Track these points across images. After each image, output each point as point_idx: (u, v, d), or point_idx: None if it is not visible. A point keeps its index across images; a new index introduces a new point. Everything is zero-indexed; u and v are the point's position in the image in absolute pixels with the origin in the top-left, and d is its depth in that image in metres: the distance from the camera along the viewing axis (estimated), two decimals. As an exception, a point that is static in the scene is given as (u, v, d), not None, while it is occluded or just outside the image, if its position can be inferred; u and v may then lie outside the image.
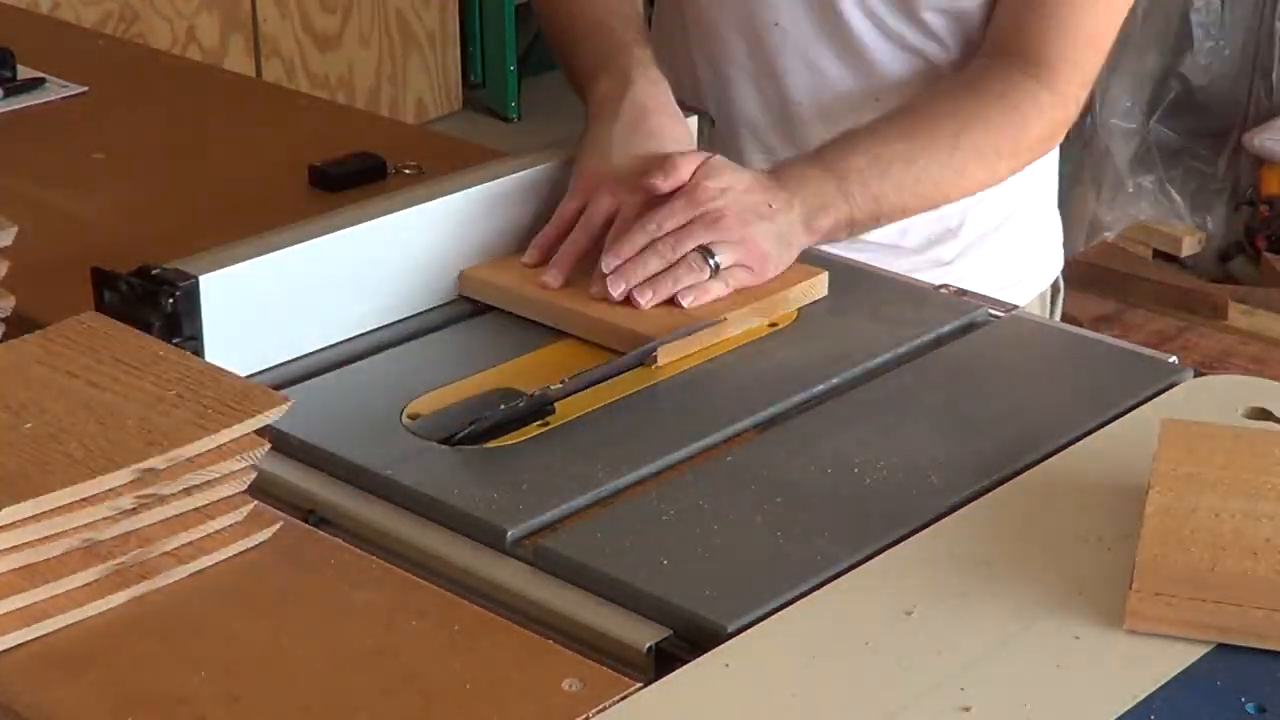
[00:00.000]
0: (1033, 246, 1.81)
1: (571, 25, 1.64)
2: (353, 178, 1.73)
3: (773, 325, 1.45)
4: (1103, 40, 1.61)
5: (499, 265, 1.50)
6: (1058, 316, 1.85)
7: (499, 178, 1.52)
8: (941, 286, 1.54)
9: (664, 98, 1.54)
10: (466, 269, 1.49)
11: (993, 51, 1.61)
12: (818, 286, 1.49)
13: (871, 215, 1.52)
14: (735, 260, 1.44)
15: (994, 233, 1.75)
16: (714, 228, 1.44)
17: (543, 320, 1.45)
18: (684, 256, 1.43)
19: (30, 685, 1.03)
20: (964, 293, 1.52)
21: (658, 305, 1.42)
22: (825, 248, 1.55)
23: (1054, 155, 1.80)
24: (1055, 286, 1.84)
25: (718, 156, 1.49)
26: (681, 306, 1.42)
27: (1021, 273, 1.78)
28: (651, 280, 1.43)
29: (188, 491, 1.11)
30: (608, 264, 1.43)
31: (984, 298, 1.52)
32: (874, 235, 1.62)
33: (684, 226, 1.44)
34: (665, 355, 1.38)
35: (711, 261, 1.43)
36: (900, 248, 1.70)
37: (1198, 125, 4.09)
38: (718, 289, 1.44)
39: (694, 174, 1.46)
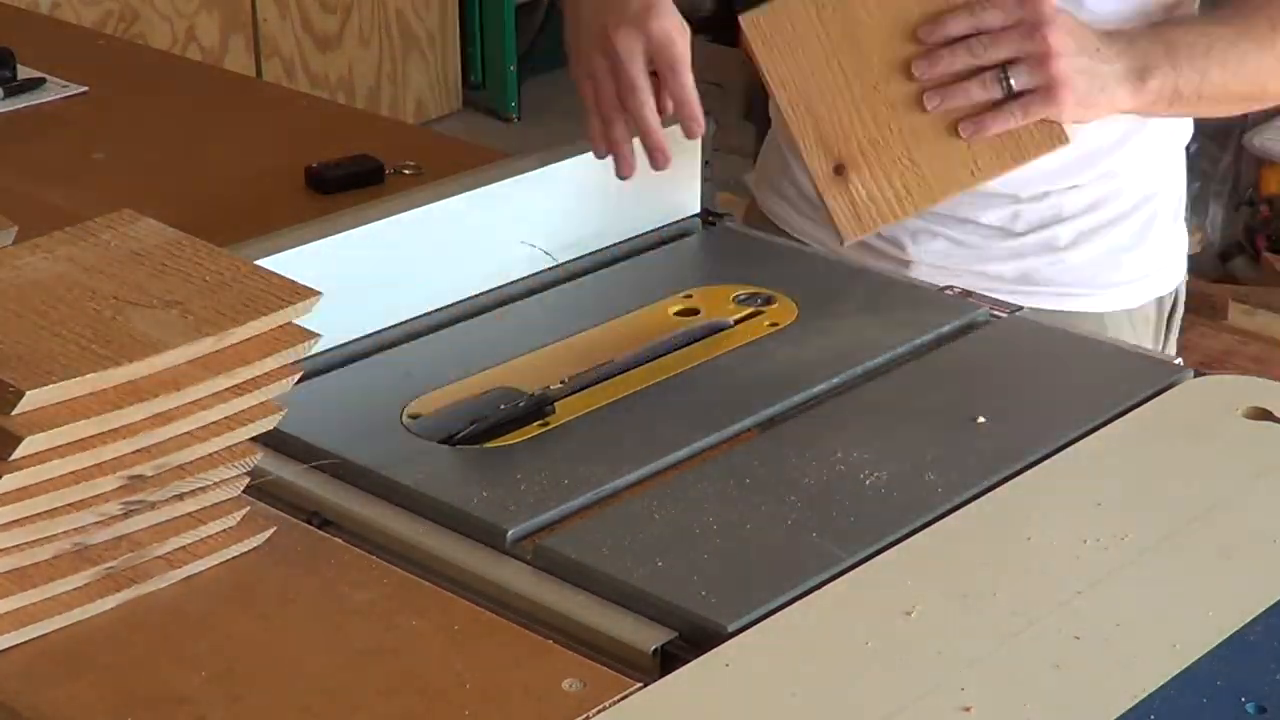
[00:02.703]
0: (1153, 250, 1.75)
1: None
2: (349, 180, 1.73)
3: (773, 325, 1.45)
4: None
5: None
6: (1174, 333, 1.80)
7: (500, 180, 1.52)
8: (945, 287, 1.54)
9: None
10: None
11: None
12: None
13: (1195, 90, 1.48)
14: (1034, 84, 1.39)
15: (1113, 225, 1.70)
16: (1029, 38, 1.38)
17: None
18: (979, 70, 1.39)
19: (30, 685, 1.03)
20: (966, 293, 1.52)
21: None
22: (850, 250, 1.54)
23: (1181, 164, 1.78)
24: (1175, 300, 1.80)
25: None
26: None
27: (1140, 273, 1.74)
28: (944, 88, 1.39)
29: (179, 497, 1.11)
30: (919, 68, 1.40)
31: (984, 298, 1.51)
32: (985, 217, 1.60)
33: (1001, 30, 1.39)
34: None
35: (1005, 82, 1.39)
36: (1010, 231, 1.68)
37: (1197, 125, 4.07)
38: (1004, 120, 1.40)
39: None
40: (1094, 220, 1.69)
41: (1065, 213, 1.68)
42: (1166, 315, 1.80)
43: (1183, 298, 1.82)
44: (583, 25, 1.47)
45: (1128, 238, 1.72)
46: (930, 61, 1.40)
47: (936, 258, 1.65)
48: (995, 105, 1.41)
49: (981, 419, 1.30)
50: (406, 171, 1.76)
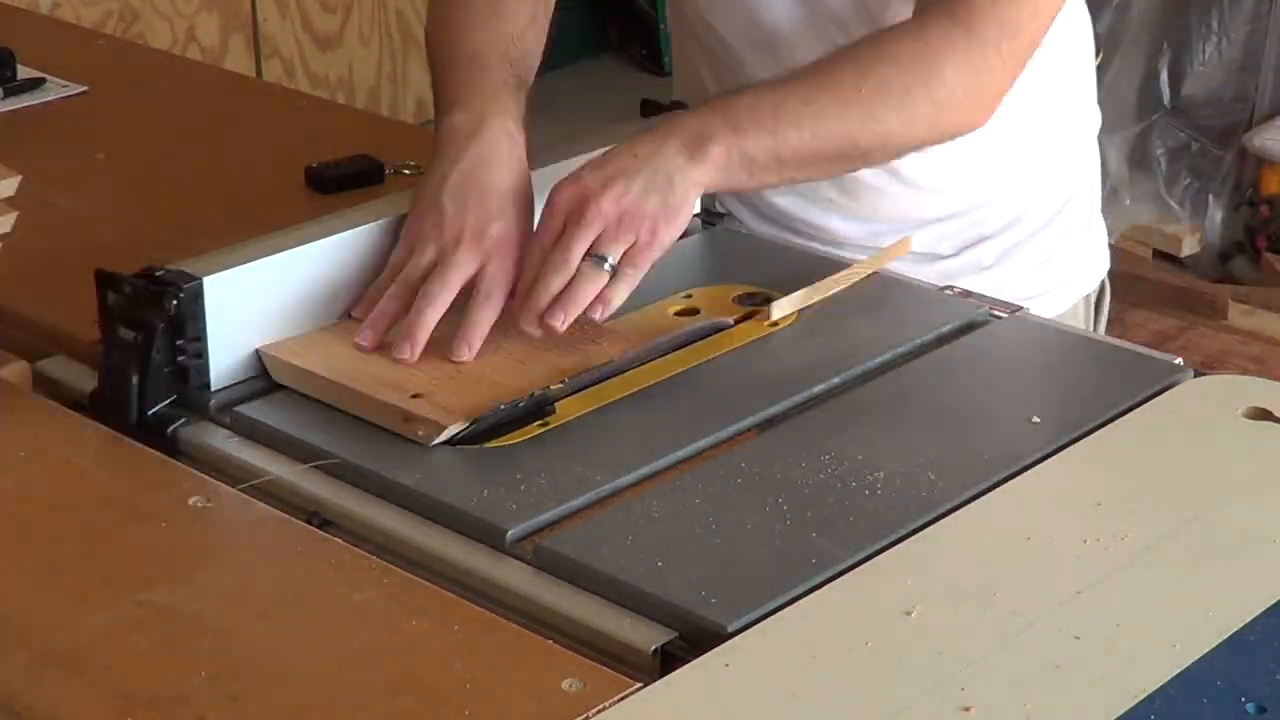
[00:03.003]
0: (1075, 251, 1.77)
1: (449, 54, 1.52)
2: (349, 179, 1.73)
3: (773, 325, 1.45)
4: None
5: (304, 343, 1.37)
6: (1103, 324, 1.82)
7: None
8: (945, 287, 1.54)
9: (511, 149, 1.43)
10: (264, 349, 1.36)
11: (915, 12, 1.50)
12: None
13: (769, 151, 1.38)
14: (625, 246, 1.34)
15: (1034, 237, 1.72)
16: (588, 226, 1.33)
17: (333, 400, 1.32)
18: (577, 271, 1.34)
19: (30, 685, 1.03)
20: (967, 293, 1.52)
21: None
22: (848, 250, 1.54)
23: (1095, 160, 1.78)
24: (1101, 292, 1.80)
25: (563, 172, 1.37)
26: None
27: (1063, 277, 1.75)
28: (557, 302, 1.33)
29: None
30: (522, 314, 1.34)
31: (984, 298, 1.51)
32: (913, 244, 1.58)
33: (560, 238, 1.34)
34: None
35: (606, 266, 1.34)
36: (937, 254, 1.69)
37: (1198, 125, 4.09)
38: (624, 288, 1.35)
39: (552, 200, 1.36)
40: (1015, 236, 1.71)
41: (987, 232, 1.70)
42: (1094, 308, 1.80)
43: (1108, 286, 1.82)
44: (428, 193, 1.41)
45: (1049, 246, 1.74)
46: (537, 291, 1.34)
47: None
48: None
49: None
50: (406, 171, 1.76)
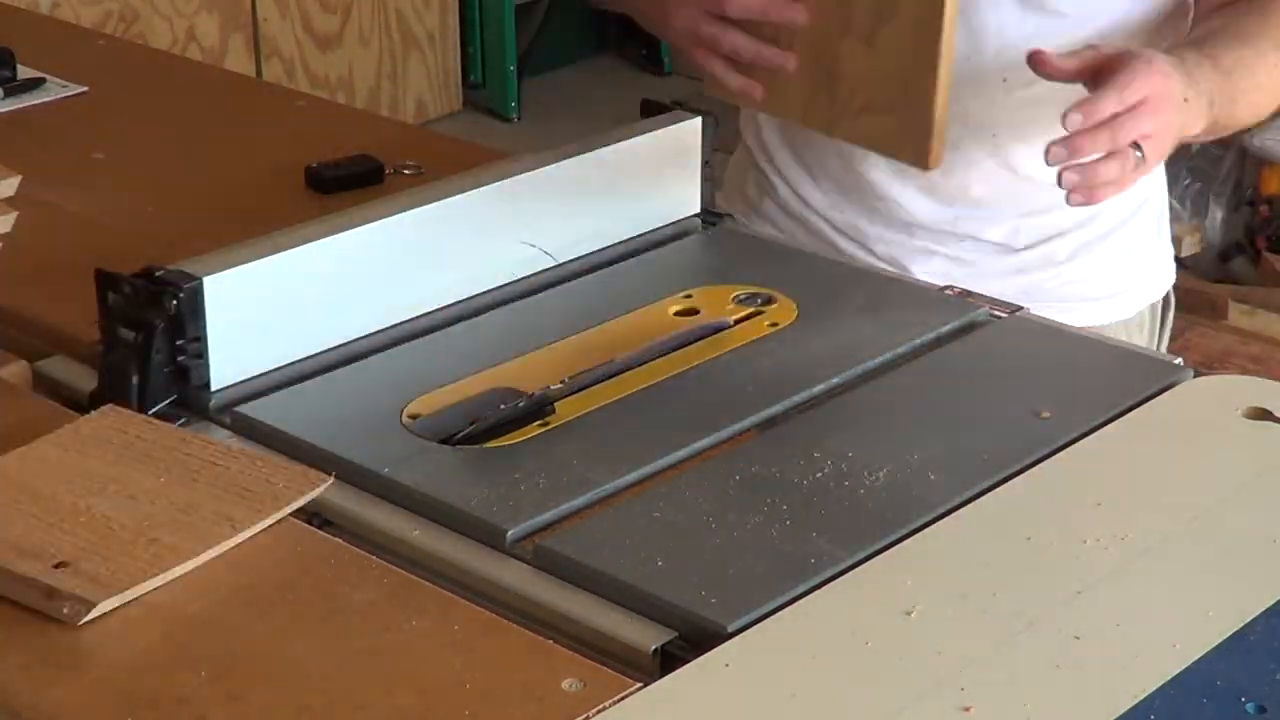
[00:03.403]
0: (1145, 257, 1.77)
1: None
2: (349, 180, 1.73)
3: (773, 325, 1.45)
4: None
5: None
6: (1167, 333, 1.82)
7: (500, 180, 1.52)
8: (945, 287, 1.54)
9: None
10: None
11: None
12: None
13: (1228, 117, 1.52)
14: (1154, 152, 1.44)
15: (1108, 237, 1.72)
16: (1147, 118, 1.42)
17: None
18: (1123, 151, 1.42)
19: (30, 685, 1.03)
20: (967, 293, 1.52)
21: None
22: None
23: (1162, 171, 1.78)
24: (1166, 301, 1.81)
25: (1137, 52, 1.46)
26: None
27: (1133, 281, 1.76)
28: (1086, 168, 1.41)
29: None
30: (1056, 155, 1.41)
31: (984, 298, 1.51)
32: (987, 234, 1.61)
33: (1121, 115, 1.41)
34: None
35: (1139, 155, 1.42)
36: (1010, 247, 1.69)
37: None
38: (1134, 177, 1.44)
39: (1120, 63, 1.43)
40: (1091, 233, 1.71)
41: (1064, 227, 1.70)
42: (1159, 319, 1.81)
43: (1173, 299, 1.84)
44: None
45: (1123, 248, 1.74)
46: (1072, 148, 1.41)
47: (936, 276, 1.65)
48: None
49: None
50: (406, 171, 1.76)
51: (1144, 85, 1.41)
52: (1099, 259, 1.72)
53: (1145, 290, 1.78)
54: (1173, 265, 1.83)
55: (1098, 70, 1.43)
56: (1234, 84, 1.51)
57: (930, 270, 1.68)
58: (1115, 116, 1.40)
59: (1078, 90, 1.50)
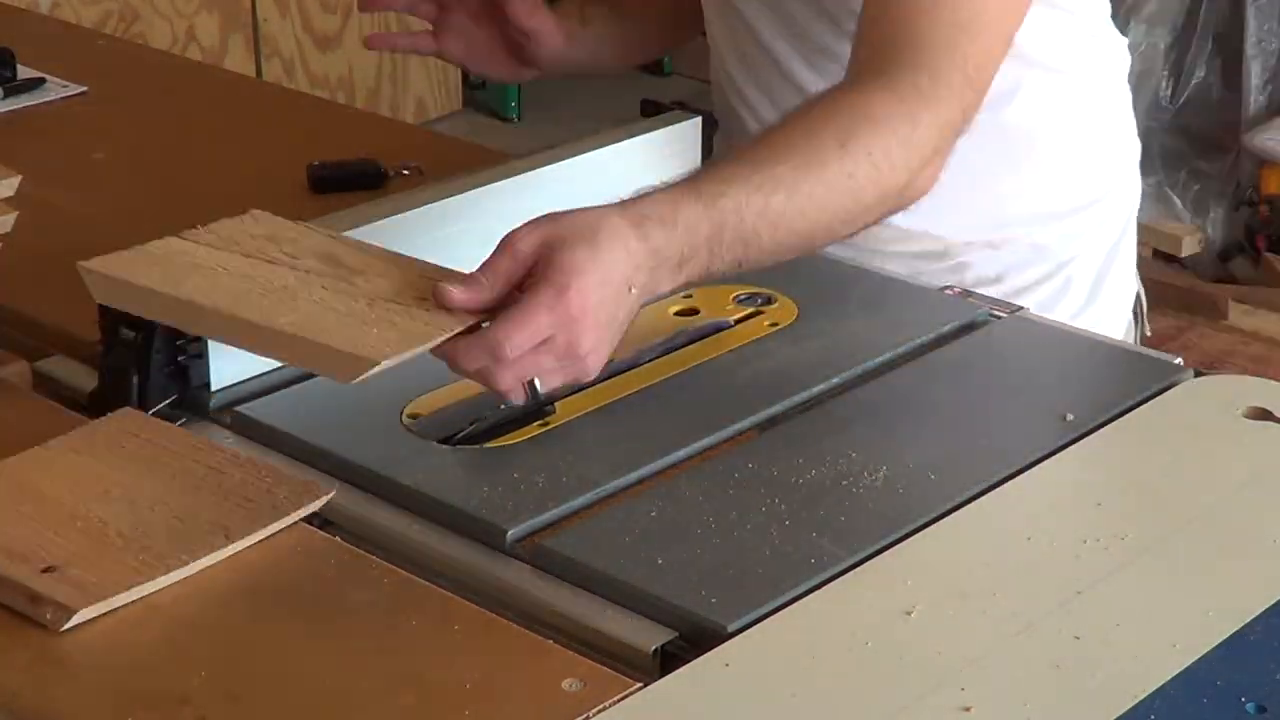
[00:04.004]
0: (1106, 292, 1.70)
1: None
2: (349, 181, 1.74)
3: (773, 325, 1.45)
4: (973, 23, 1.38)
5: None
6: (1143, 327, 1.78)
7: (500, 180, 1.52)
8: (945, 287, 1.54)
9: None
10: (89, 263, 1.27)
11: (857, 73, 1.40)
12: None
13: (734, 264, 1.28)
14: (560, 382, 1.23)
15: (1057, 296, 1.65)
16: (567, 356, 1.20)
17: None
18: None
19: (30, 685, 1.03)
20: (967, 293, 1.52)
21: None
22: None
23: (1135, 181, 1.73)
24: (1138, 301, 1.76)
25: (571, 237, 1.21)
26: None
27: (1096, 314, 1.68)
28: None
29: None
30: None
31: (985, 298, 1.51)
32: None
33: (533, 351, 1.19)
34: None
35: (535, 391, 1.21)
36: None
37: (1198, 125, 4.09)
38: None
39: (546, 272, 1.20)
40: (1040, 271, 1.64)
41: (1016, 263, 1.63)
42: (1134, 317, 1.76)
43: (1143, 294, 1.78)
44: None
45: (1098, 271, 1.68)
46: (483, 376, 1.20)
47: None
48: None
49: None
50: (405, 172, 1.76)
51: (543, 320, 1.18)
52: (1056, 313, 1.62)
53: (1121, 302, 1.72)
54: (1134, 275, 1.75)
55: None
56: (740, 229, 1.26)
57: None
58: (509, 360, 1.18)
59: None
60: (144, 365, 1.31)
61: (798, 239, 1.31)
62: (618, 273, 1.20)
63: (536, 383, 1.21)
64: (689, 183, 1.28)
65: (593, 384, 1.35)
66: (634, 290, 1.23)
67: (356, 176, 1.75)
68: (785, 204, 1.28)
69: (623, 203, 1.25)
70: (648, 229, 1.22)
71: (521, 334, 1.17)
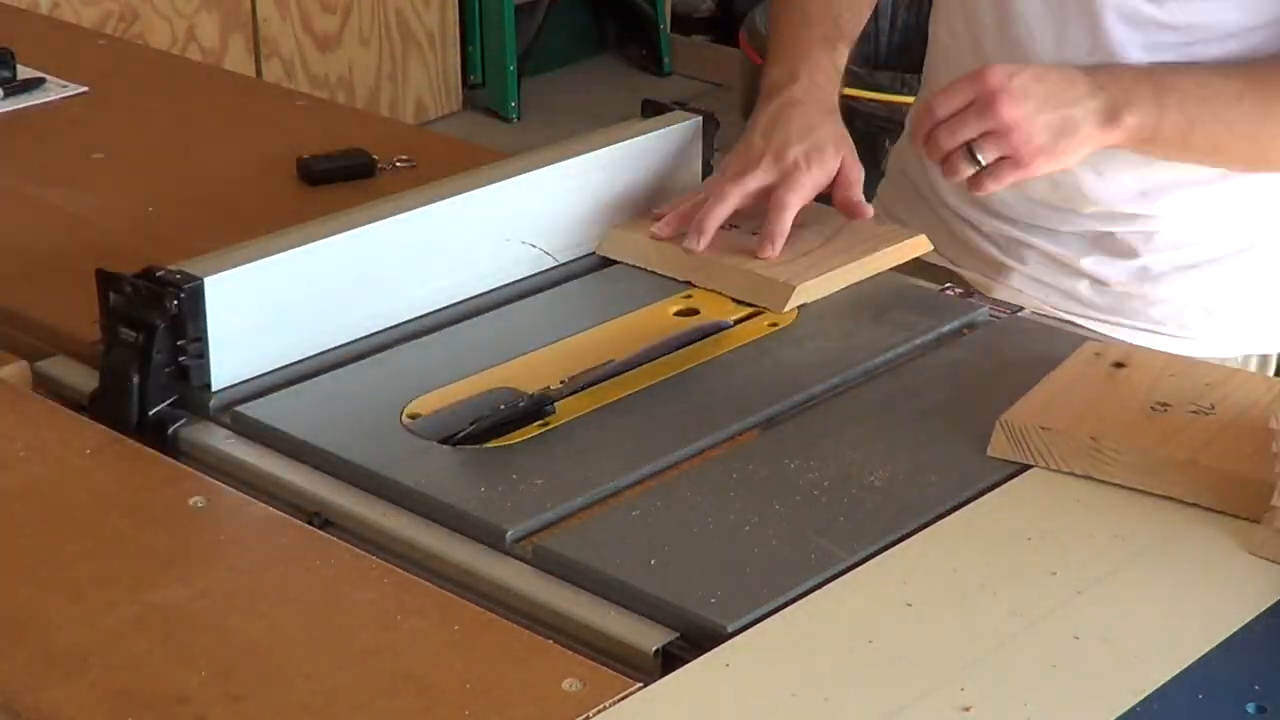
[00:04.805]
0: (1254, 299, 1.68)
1: (784, 6, 1.67)
2: (339, 172, 1.74)
3: (773, 325, 1.45)
4: None
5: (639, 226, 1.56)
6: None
7: (500, 180, 1.52)
8: (945, 287, 1.54)
9: (819, 95, 1.57)
10: (611, 228, 1.56)
11: None
12: (917, 246, 1.55)
13: (1181, 135, 1.47)
14: (1000, 153, 1.43)
15: (1205, 265, 1.65)
16: (985, 116, 1.42)
17: (684, 276, 1.50)
18: (954, 150, 1.44)
19: (30, 685, 1.04)
20: (967, 293, 1.52)
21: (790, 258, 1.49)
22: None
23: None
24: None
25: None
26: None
27: (1232, 321, 1.67)
28: (945, 163, 1.45)
29: None
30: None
31: (985, 298, 1.51)
32: (1077, 226, 1.62)
33: (959, 114, 1.43)
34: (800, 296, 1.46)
35: (977, 158, 1.43)
36: (1101, 245, 1.65)
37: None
38: (986, 186, 1.45)
39: (976, 75, 1.43)
40: (1188, 256, 1.64)
41: (1159, 242, 1.63)
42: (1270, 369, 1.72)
43: None
44: (747, 134, 1.56)
45: (1225, 281, 1.66)
46: (929, 145, 1.45)
47: (1023, 281, 1.65)
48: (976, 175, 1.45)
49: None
50: (399, 164, 1.76)
51: (965, 89, 1.42)
52: (1195, 285, 1.64)
53: (1250, 337, 1.69)
54: None
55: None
56: (1181, 103, 1.46)
57: (1021, 273, 1.67)
58: (941, 122, 1.44)
59: None
60: (145, 365, 1.31)
61: (1234, 143, 1.50)
62: (1053, 72, 1.44)
63: (975, 151, 1.42)
64: (1140, 65, 1.50)
65: (593, 384, 1.35)
66: (1078, 88, 1.44)
67: (347, 168, 1.75)
68: (1225, 107, 1.47)
69: None
70: (1093, 67, 1.46)
71: (944, 97, 1.42)
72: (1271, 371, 1.72)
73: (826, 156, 1.52)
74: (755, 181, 1.51)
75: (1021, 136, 1.42)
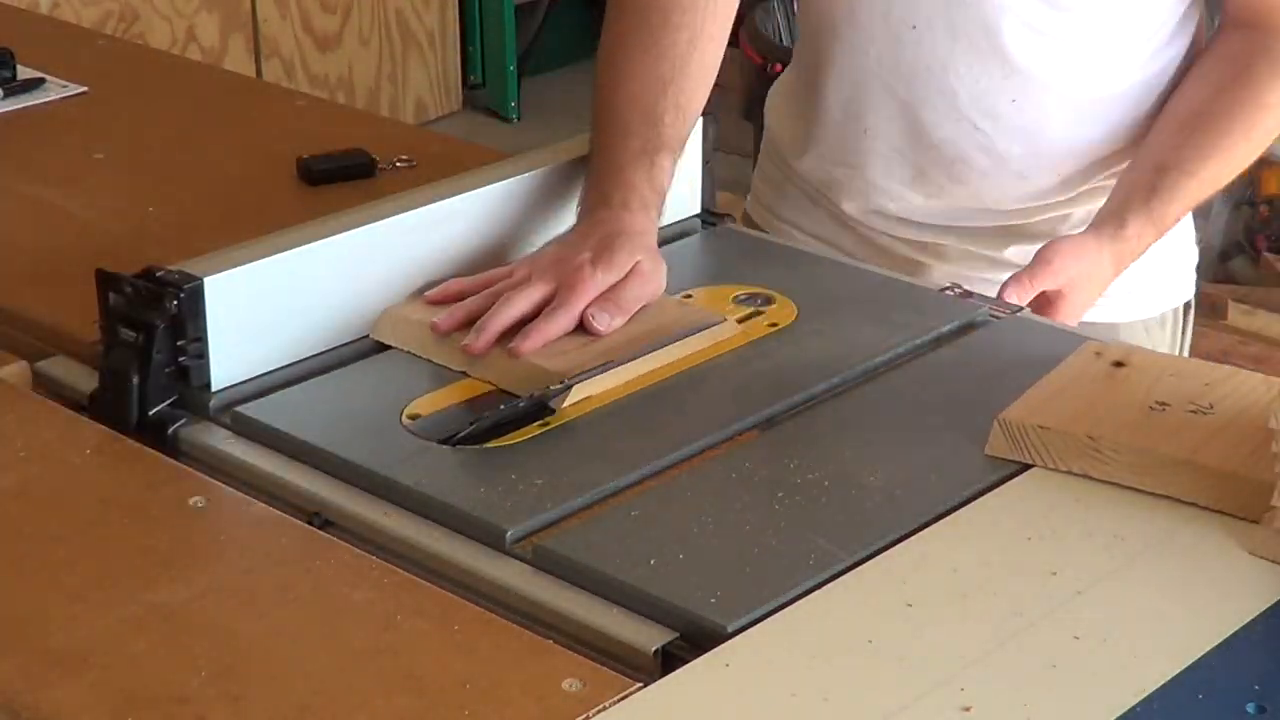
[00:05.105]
0: (1168, 255, 1.73)
1: (602, 114, 1.57)
2: (339, 173, 1.74)
3: (772, 325, 1.45)
4: None
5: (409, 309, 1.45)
6: (1188, 339, 1.81)
7: (499, 180, 1.52)
8: (946, 288, 1.54)
9: (627, 224, 1.46)
10: (385, 312, 1.44)
11: (1232, 26, 1.62)
12: (720, 333, 1.42)
13: (1159, 227, 1.58)
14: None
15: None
16: (1048, 314, 1.53)
17: (458, 366, 1.38)
18: None
19: (30, 685, 1.04)
20: (967, 293, 1.52)
21: (564, 347, 1.38)
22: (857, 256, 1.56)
23: None
24: (1187, 306, 1.79)
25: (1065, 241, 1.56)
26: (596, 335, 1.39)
27: (1153, 278, 1.72)
28: None
29: None
30: None
31: (985, 298, 1.51)
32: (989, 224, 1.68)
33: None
34: (577, 393, 1.33)
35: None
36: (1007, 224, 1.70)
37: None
38: None
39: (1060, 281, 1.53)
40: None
41: (1074, 220, 1.68)
42: (1181, 323, 1.79)
43: (1193, 302, 1.82)
44: (556, 243, 1.48)
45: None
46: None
47: (944, 275, 1.66)
48: None
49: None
50: (399, 164, 1.76)
51: (1028, 290, 1.51)
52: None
53: (1168, 290, 1.76)
54: (1194, 267, 1.81)
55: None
56: (1165, 209, 1.58)
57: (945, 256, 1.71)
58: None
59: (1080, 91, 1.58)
60: (145, 365, 1.31)
61: (1217, 184, 1.62)
62: (1085, 261, 1.54)
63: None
64: (1140, 197, 1.58)
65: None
66: (1104, 270, 1.56)
67: (347, 168, 1.75)
68: (1198, 191, 1.60)
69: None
70: (1116, 248, 1.56)
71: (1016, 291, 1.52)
72: (1190, 323, 1.80)
73: (616, 260, 1.42)
74: (539, 291, 1.40)
75: (1075, 316, 1.55)
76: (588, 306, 1.40)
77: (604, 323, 1.40)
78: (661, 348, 1.39)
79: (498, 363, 1.36)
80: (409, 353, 1.40)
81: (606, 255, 1.42)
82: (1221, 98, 1.61)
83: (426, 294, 1.45)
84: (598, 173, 1.52)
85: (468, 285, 1.45)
